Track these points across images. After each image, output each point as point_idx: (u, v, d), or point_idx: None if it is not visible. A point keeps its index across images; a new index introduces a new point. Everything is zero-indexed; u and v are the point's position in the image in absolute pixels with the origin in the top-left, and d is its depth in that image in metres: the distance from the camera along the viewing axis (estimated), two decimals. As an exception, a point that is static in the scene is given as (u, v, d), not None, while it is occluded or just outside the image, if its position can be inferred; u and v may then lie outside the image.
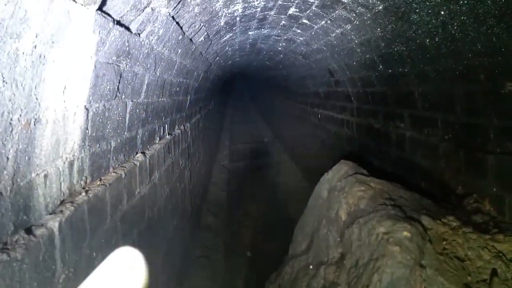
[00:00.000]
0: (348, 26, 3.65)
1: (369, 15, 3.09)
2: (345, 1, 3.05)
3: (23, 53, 1.12)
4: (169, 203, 3.95)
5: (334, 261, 2.68)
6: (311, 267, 2.96)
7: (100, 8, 1.49)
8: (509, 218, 2.47)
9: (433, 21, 2.52)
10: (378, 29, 3.23)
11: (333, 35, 4.19)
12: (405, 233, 2.21)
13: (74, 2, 1.28)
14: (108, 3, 1.53)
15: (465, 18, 2.23)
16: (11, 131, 1.17)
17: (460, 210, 2.66)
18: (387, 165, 4.21)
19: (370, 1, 2.84)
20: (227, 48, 5.66)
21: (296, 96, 10.19)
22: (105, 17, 1.57)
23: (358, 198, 2.73)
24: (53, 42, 1.27)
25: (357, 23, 3.42)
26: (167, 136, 3.92)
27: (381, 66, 3.84)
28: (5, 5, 0.96)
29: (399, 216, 2.37)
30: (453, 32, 2.42)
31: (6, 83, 1.09)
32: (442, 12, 2.36)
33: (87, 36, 1.49)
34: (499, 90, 2.32)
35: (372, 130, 4.73)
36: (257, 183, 9.74)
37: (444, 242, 2.30)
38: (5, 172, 1.17)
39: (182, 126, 4.96)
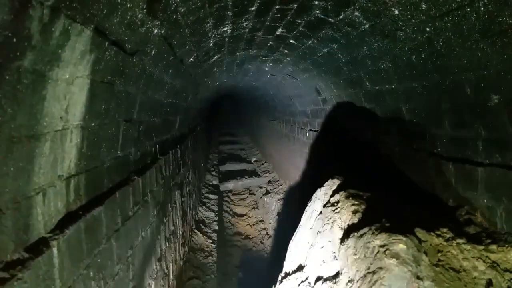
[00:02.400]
0: (335, 45, 3.74)
1: (355, 33, 3.18)
2: (332, 21, 3.14)
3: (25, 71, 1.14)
4: (161, 223, 3.91)
5: (330, 276, 2.67)
6: (307, 283, 2.94)
7: (96, 28, 1.51)
8: (501, 228, 2.50)
9: (419, 37, 2.60)
10: (365, 47, 3.32)
11: (320, 54, 4.28)
12: (401, 245, 2.23)
13: (73, 21, 1.30)
14: (104, 23, 1.56)
15: (450, 34, 2.32)
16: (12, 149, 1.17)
17: (453, 222, 2.69)
18: (378, 179, 4.25)
19: (357, 20, 2.92)
20: (215, 69, 5.72)
21: (283, 115, 10.28)
22: (101, 37, 1.60)
23: (351, 212, 2.74)
24: (51, 61, 1.28)
25: (344, 42, 3.51)
26: (159, 156, 3.91)
27: (368, 84, 3.92)
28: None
29: (394, 228, 2.39)
30: (438, 48, 2.50)
31: (9, 100, 1.09)
32: (428, 29, 2.45)
33: (84, 55, 1.51)
34: (485, 103, 2.39)
35: (361, 146, 4.79)
36: (247, 202, 9.69)
37: (439, 254, 2.32)
38: (6, 189, 1.16)
39: (172, 146, 4.96)
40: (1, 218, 1.16)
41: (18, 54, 1.07)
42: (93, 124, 1.85)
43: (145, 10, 1.83)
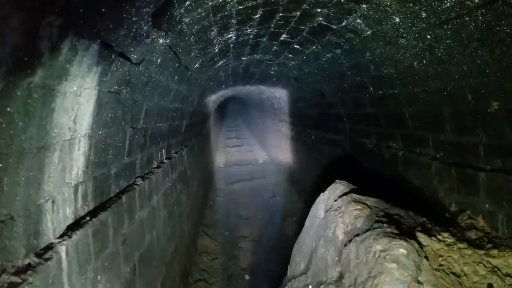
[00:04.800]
0: (339, 51, 3.78)
1: (358, 40, 3.22)
2: (335, 27, 3.19)
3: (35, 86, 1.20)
4: (168, 227, 3.97)
5: (333, 280, 2.71)
6: (310, 287, 2.99)
7: (103, 42, 1.58)
8: (503, 233, 2.53)
9: (420, 44, 2.64)
10: (368, 53, 3.36)
11: (324, 59, 4.33)
12: (402, 250, 2.26)
13: (81, 37, 1.36)
14: (111, 36, 1.62)
15: (450, 41, 2.35)
16: (24, 159, 1.23)
17: (455, 227, 2.72)
18: (381, 184, 4.28)
19: (359, 27, 2.97)
20: (221, 73, 5.79)
21: (289, 118, 10.32)
22: (107, 50, 1.66)
23: (354, 217, 2.78)
24: (60, 75, 1.34)
25: (347, 47, 3.55)
26: (165, 160, 3.98)
27: (371, 88, 3.96)
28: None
29: (395, 233, 2.42)
30: (439, 55, 2.54)
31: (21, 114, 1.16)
32: (428, 36, 2.49)
33: (92, 67, 1.57)
34: (486, 109, 2.42)
35: (365, 150, 4.82)
36: (253, 204, 9.74)
37: (440, 258, 2.35)
38: (17, 198, 1.23)
39: (178, 150, 5.02)
40: (13, 225, 1.22)
41: (29, 71, 1.13)
42: (100, 132, 1.92)
43: (150, 23, 1.89)
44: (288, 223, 8.04)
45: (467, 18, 2.08)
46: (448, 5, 2.08)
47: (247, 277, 6.18)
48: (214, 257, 6.60)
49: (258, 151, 17.62)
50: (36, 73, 1.18)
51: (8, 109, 1.09)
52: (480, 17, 2.00)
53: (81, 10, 1.26)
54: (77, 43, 1.34)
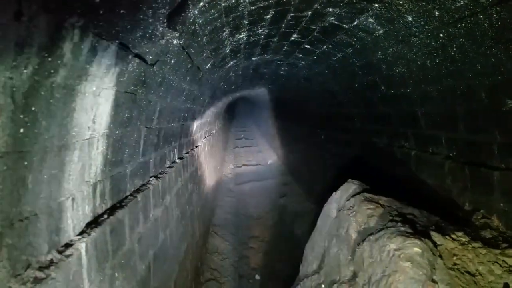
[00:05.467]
0: (350, 50, 3.78)
1: (370, 39, 3.22)
2: (346, 27, 3.19)
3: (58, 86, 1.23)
4: (180, 226, 4.01)
5: (346, 280, 2.71)
6: (323, 286, 2.99)
7: (121, 43, 1.61)
8: (518, 233, 2.51)
9: (433, 43, 2.63)
10: (379, 52, 3.35)
11: (335, 58, 4.32)
12: (416, 249, 2.26)
13: (100, 38, 1.39)
14: (128, 37, 1.65)
15: (463, 40, 2.35)
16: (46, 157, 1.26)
17: (469, 226, 2.70)
18: (393, 183, 4.27)
19: (371, 26, 2.97)
20: (231, 74, 5.81)
21: (299, 118, 10.31)
22: (125, 50, 1.69)
23: (367, 216, 2.78)
24: (81, 76, 1.37)
25: (358, 47, 3.55)
26: (177, 160, 4.01)
27: (383, 87, 3.95)
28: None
29: (409, 232, 2.42)
30: (452, 53, 2.53)
31: (44, 113, 1.19)
32: (441, 35, 2.48)
33: (110, 68, 1.60)
34: (500, 107, 2.41)
35: (377, 149, 4.81)
36: (263, 205, 9.75)
37: (455, 258, 2.34)
38: (40, 195, 1.26)
39: (190, 150, 5.06)
40: (37, 222, 1.25)
41: (52, 71, 1.16)
42: (117, 132, 1.95)
43: (165, 24, 1.92)
44: (297, 223, 8.03)
45: (481, 16, 2.08)
46: (461, 3, 2.08)
47: (257, 277, 6.20)
48: (224, 257, 6.62)
49: (267, 151, 17.61)
50: (59, 73, 1.21)
51: (33, 108, 1.12)
52: (495, 15, 1.99)
53: (101, 11, 1.28)
54: (96, 44, 1.37)
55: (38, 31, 1.00)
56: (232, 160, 15.79)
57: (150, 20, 1.73)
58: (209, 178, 7.91)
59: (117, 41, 1.54)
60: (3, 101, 0.98)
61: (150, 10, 1.67)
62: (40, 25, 1.00)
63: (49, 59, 1.11)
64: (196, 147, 5.84)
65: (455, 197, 3.11)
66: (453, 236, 2.48)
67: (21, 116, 1.08)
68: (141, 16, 1.64)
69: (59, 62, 1.18)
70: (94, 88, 1.52)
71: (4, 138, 1.02)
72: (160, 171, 3.22)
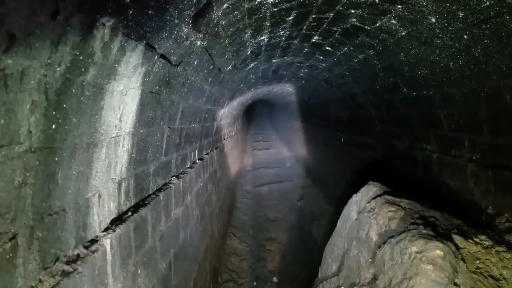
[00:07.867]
0: (371, 52, 3.75)
1: (392, 40, 3.19)
2: (368, 28, 3.17)
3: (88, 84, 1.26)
4: (199, 226, 4.04)
5: (366, 282, 2.69)
6: (342, 288, 2.98)
7: (147, 43, 1.64)
8: (544, 237, 2.45)
9: (456, 45, 2.60)
10: (402, 54, 3.32)
11: (356, 60, 4.30)
12: (438, 251, 2.23)
13: (129, 38, 1.42)
14: (154, 38, 1.68)
15: (488, 41, 2.31)
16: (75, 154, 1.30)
17: (492, 230, 2.65)
18: (414, 186, 4.21)
19: (393, 28, 2.94)
20: (251, 76, 5.84)
21: (318, 121, 10.27)
22: (151, 51, 1.72)
23: (388, 218, 2.76)
24: (109, 74, 1.41)
25: (380, 48, 3.52)
26: (197, 161, 4.05)
27: (405, 89, 3.90)
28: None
29: (431, 235, 2.39)
30: (476, 55, 2.49)
31: (74, 110, 1.22)
32: (465, 36, 2.44)
33: (137, 68, 1.64)
34: (525, 110, 2.36)
35: (397, 152, 4.75)
36: (280, 207, 9.74)
37: (477, 261, 2.29)
38: (69, 191, 1.29)
39: (209, 151, 5.10)
40: (65, 217, 1.29)
41: (83, 70, 1.20)
42: (142, 131, 1.99)
43: (190, 25, 1.95)
44: (315, 226, 7.98)
45: (507, 17, 2.04)
46: (487, 4, 2.04)
47: (275, 279, 6.18)
48: (242, 258, 6.63)
49: (285, 154, 17.58)
50: (89, 72, 1.24)
51: (64, 105, 1.16)
52: (523, 15, 1.95)
53: (130, 12, 1.32)
54: (125, 44, 1.41)
55: (72, 30, 1.03)
56: (250, 162, 15.82)
57: (176, 21, 1.76)
58: (228, 179, 7.94)
59: (144, 42, 1.57)
60: (38, 97, 1.01)
61: (177, 11, 1.70)
62: (74, 24, 1.03)
63: (81, 57, 1.15)
64: (216, 148, 5.88)
65: (478, 200, 3.05)
66: (476, 239, 2.43)
67: (53, 112, 1.11)
68: (168, 17, 1.67)
69: (89, 60, 1.22)
70: (121, 87, 1.56)
71: (37, 134, 1.05)
72: (181, 171, 3.26)
